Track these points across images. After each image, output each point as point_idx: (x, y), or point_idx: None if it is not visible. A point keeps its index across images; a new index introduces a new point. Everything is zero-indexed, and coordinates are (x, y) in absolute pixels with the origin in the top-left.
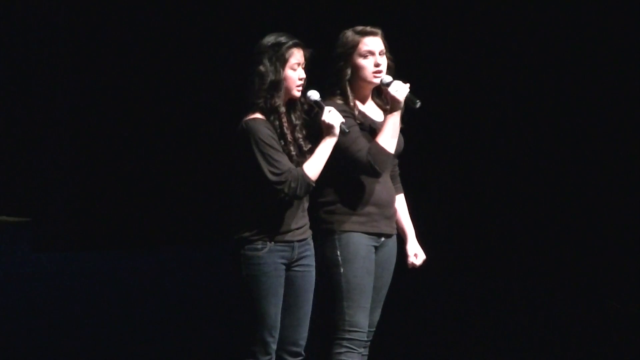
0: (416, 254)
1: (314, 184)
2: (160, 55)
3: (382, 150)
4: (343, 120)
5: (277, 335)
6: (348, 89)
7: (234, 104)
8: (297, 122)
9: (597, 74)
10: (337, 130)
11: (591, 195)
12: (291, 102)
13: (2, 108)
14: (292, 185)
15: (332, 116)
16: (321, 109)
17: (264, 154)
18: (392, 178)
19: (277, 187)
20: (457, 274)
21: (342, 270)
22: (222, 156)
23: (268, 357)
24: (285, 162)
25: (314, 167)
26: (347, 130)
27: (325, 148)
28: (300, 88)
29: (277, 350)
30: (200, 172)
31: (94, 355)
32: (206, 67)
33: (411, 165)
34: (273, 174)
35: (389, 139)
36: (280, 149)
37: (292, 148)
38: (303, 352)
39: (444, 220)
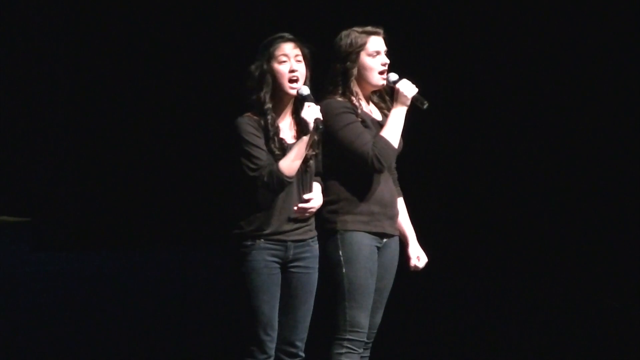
0: (418, 257)
1: (289, 180)
2: (159, 57)
3: (388, 144)
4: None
5: (274, 335)
6: (354, 88)
7: (232, 105)
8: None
9: (597, 75)
10: (311, 126)
11: (591, 196)
12: (299, 102)
13: (2, 108)
14: (265, 180)
15: (308, 112)
16: (301, 105)
17: (243, 150)
18: (392, 181)
19: (254, 182)
20: (458, 275)
21: (344, 270)
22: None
23: (265, 357)
24: (262, 157)
25: (287, 163)
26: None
27: (300, 144)
28: (295, 84)
29: (274, 350)
30: (200, 173)
31: (94, 355)
32: (204, 68)
33: (411, 166)
34: (249, 169)
35: (394, 133)
36: (261, 146)
37: (273, 146)
38: (301, 353)
39: (445, 221)
